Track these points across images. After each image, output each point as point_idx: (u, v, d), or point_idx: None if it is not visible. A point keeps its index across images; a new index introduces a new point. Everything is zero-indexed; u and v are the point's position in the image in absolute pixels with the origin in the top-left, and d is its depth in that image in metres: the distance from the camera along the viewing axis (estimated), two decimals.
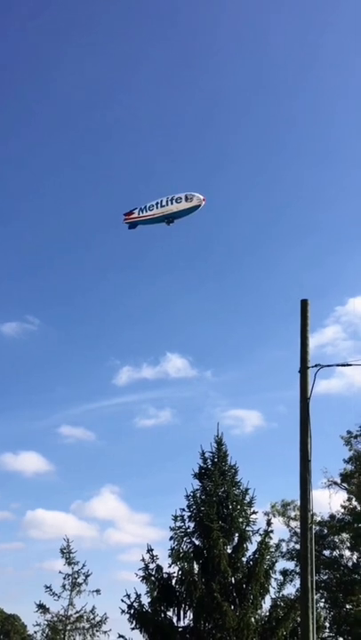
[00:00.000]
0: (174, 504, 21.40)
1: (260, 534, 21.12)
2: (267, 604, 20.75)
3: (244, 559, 20.85)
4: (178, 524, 20.97)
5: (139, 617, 20.06)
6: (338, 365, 15.09)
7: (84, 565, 31.73)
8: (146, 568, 20.76)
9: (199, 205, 35.20)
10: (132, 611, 20.16)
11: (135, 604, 20.23)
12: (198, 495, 21.56)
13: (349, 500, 38.67)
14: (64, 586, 31.23)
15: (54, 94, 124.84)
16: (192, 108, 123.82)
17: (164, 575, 20.72)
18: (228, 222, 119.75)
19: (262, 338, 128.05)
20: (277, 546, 23.42)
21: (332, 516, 38.83)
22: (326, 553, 38.62)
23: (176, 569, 20.50)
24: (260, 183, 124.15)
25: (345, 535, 38.69)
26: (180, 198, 35.16)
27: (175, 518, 21.03)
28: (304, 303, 14.96)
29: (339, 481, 38.63)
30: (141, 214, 36.57)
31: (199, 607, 19.66)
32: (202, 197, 35.20)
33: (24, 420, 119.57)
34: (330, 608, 37.76)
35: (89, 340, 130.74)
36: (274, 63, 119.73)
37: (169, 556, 20.63)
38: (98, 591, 31.30)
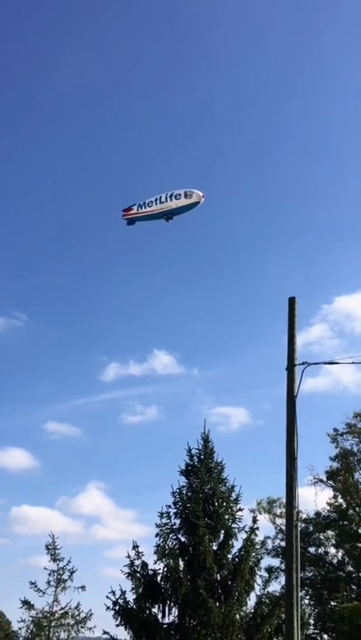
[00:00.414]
0: (160, 501, 21.41)
1: (246, 531, 21.16)
2: (252, 600, 20.83)
3: (230, 556, 20.88)
4: (164, 520, 20.98)
5: (124, 613, 20.03)
6: (325, 363, 15.10)
7: (69, 562, 31.60)
8: (131, 564, 20.73)
9: (198, 202, 35.00)
10: (117, 607, 20.12)
11: (120, 601, 20.19)
12: (184, 492, 21.56)
13: (335, 497, 38.88)
14: (49, 582, 31.10)
15: (53, 91, 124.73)
16: (189, 105, 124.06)
17: (150, 572, 20.71)
18: (217, 223, 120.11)
19: (248, 336, 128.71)
20: (263, 543, 23.66)
21: (317, 514, 39.04)
22: (312, 550, 38.83)
23: (161, 565, 20.50)
24: (252, 184, 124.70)
25: (330, 532, 38.93)
26: (180, 195, 34.97)
27: (161, 515, 21.02)
28: (292, 301, 14.97)
29: (325, 478, 38.86)
30: (140, 210, 36.34)
31: (184, 604, 19.66)
32: (201, 194, 35.01)
33: (10, 415, 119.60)
34: (314, 605, 37.99)
35: (76, 337, 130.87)
36: (270, 62, 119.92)
37: (154, 553, 20.61)
38: (83, 587, 31.20)
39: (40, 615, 30.87)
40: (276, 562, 37.21)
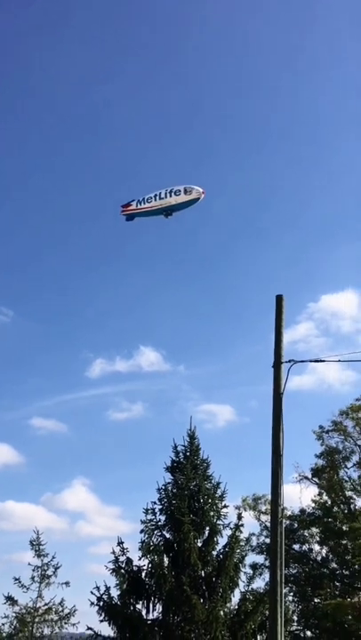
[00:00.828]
0: (145, 497, 21.49)
1: (231, 528, 21.20)
2: (236, 597, 20.86)
3: (215, 553, 20.92)
4: (149, 516, 20.97)
5: (108, 609, 20.00)
6: (312, 361, 15.11)
7: (53, 557, 31.58)
8: (116, 561, 20.70)
9: (198, 198, 34.72)
10: (101, 603, 20.08)
11: (105, 597, 20.15)
12: (170, 488, 21.55)
13: (320, 494, 39.05)
14: (33, 578, 31.07)
15: (47, 84, 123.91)
16: (181, 98, 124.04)
17: (134, 568, 20.70)
18: (205, 219, 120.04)
19: (235, 333, 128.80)
20: (247, 540, 23.54)
21: (302, 511, 39.16)
22: (296, 547, 38.96)
23: (146, 562, 20.50)
24: (239, 182, 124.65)
25: (315, 529, 39.06)
26: (180, 191, 34.66)
27: (146, 511, 21.01)
28: (279, 298, 14.97)
29: (310, 475, 38.98)
30: (139, 206, 36.00)
31: (168, 600, 19.68)
32: (201, 190, 34.74)
33: None
34: (298, 602, 38.13)
35: (62, 333, 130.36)
36: (262, 54, 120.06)
37: (139, 549, 20.61)
38: (67, 583, 31.19)
39: (24, 611, 30.84)
40: (260, 558, 37.33)
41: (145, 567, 20.51)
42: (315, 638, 37.16)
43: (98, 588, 20.24)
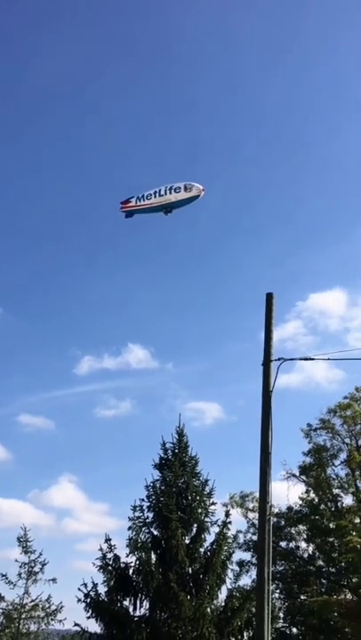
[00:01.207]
0: (133, 494, 21.43)
1: (219, 525, 21.25)
2: (223, 594, 20.94)
3: (202, 550, 20.95)
4: (137, 513, 20.97)
5: (95, 606, 20.00)
6: (301, 359, 15.16)
7: (40, 554, 31.62)
8: (103, 557, 20.69)
9: (198, 196, 34.50)
10: (88, 600, 20.08)
11: (92, 594, 20.15)
12: (158, 486, 21.56)
13: (307, 492, 39.13)
14: (20, 574, 31.09)
15: (45, 79, 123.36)
16: (175, 94, 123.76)
17: (122, 565, 20.69)
18: (195, 217, 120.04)
19: (223, 331, 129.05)
20: (235, 537, 23.58)
21: (289, 508, 39.24)
22: (283, 544, 39.04)
23: (134, 559, 20.51)
24: (228, 180, 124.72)
25: (302, 527, 39.18)
26: (179, 188, 34.42)
27: (134, 508, 21.01)
28: (269, 296, 15.00)
29: (297, 473, 39.05)
30: (139, 203, 35.77)
31: (156, 597, 19.69)
32: (201, 187, 34.52)
33: None
34: (284, 599, 38.26)
35: (50, 330, 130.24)
36: (252, 49, 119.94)
37: (127, 546, 20.64)
38: (54, 580, 31.22)
39: (10, 607, 30.85)
40: (247, 556, 37.43)
41: (132, 564, 20.53)
42: (301, 635, 37.31)
43: (85, 584, 20.26)
